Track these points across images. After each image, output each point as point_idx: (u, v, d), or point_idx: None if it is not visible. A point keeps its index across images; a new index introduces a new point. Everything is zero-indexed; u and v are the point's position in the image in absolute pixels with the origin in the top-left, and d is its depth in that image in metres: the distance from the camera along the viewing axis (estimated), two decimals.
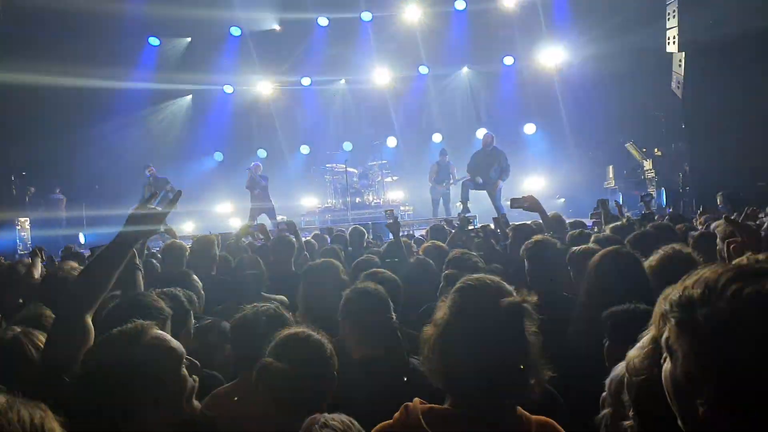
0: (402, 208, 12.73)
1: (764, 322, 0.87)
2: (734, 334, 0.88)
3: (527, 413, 1.49)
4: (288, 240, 4.82)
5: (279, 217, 11.34)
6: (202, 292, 3.29)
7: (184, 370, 1.52)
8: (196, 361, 1.60)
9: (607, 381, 1.43)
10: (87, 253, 5.21)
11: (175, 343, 1.54)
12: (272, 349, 1.77)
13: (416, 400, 1.48)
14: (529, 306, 1.46)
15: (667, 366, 1.00)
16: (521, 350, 1.43)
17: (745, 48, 8.82)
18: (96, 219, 12.73)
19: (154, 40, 13.73)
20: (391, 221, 4.07)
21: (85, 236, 12.16)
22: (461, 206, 10.83)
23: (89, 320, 1.77)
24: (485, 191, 10.79)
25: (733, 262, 1.01)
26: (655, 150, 11.23)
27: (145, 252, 4.66)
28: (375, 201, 13.07)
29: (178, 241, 5.04)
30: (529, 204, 3.85)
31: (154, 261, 4.97)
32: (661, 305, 1.01)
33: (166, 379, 1.45)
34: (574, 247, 3.00)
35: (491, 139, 10.96)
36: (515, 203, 3.90)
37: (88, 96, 12.84)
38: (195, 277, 3.41)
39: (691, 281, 0.98)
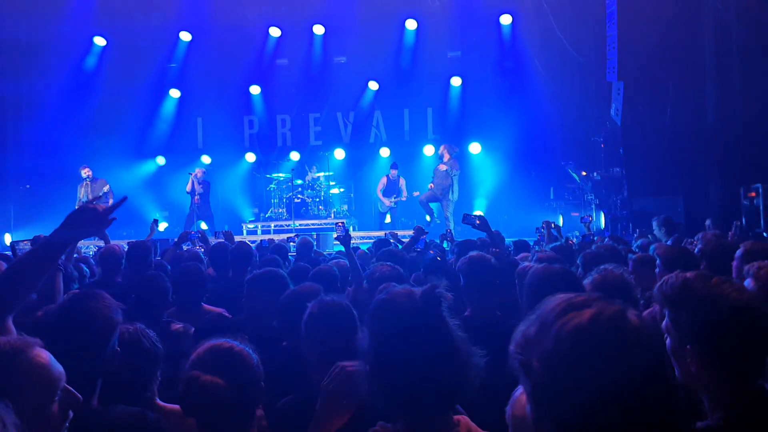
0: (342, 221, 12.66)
1: (584, 360, 0.82)
2: (560, 378, 0.84)
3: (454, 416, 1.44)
4: (224, 248, 4.69)
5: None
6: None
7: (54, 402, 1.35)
8: (78, 395, 1.42)
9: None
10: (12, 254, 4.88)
11: (53, 371, 1.37)
12: (195, 362, 1.63)
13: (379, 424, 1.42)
14: (444, 293, 1.40)
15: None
16: (447, 338, 1.38)
17: (678, 79, 9.36)
18: (25, 220, 12.10)
19: (99, 40, 13.19)
20: (342, 234, 4.00)
21: (12, 237, 11.47)
22: (429, 219, 11.18)
23: (10, 322, 1.63)
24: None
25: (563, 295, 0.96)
26: (594, 174, 11.69)
27: (75, 255, 4.42)
28: (321, 211, 12.96)
29: (114, 245, 4.81)
30: (480, 222, 3.89)
31: (84, 266, 4.73)
32: (510, 346, 0.97)
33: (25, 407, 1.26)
34: (525, 263, 3.04)
35: (449, 152, 11.19)
36: (467, 219, 3.93)
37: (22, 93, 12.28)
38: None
39: (531, 319, 0.93)
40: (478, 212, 3.94)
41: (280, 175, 13.30)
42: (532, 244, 6.52)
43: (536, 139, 12.86)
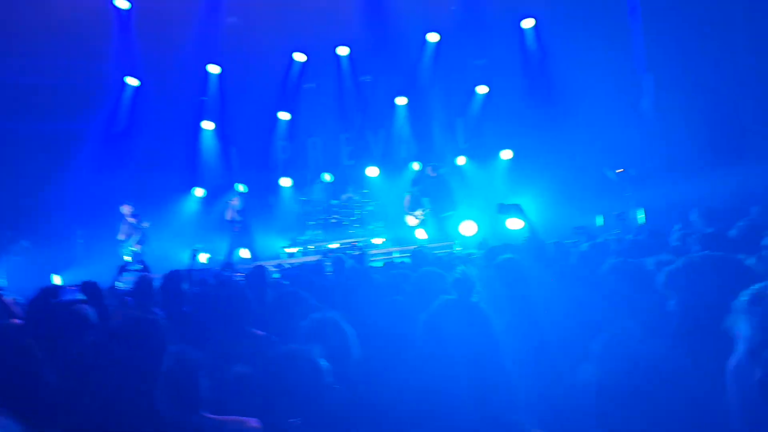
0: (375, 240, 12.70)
1: None
2: None
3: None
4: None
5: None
6: None
7: None
8: None
9: None
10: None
11: None
12: None
13: None
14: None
15: None
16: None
17: (707, 68, 9.06)
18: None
19: (132, 81, 13.72)
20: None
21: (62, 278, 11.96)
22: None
23: None
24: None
25: None
26: (631, 170, 11.34)
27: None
28: (357, 230, 13.06)
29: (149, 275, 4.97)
30: (517, 211, 3.75)
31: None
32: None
33: None
34: None
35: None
36: (502, 209, 3.79)
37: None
38: None
39: None
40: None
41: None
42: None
43: (567, 139, 12.60)
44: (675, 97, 9.41)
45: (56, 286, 3.60)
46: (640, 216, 10.19)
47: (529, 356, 2.34)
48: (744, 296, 0.92)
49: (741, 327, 0.89)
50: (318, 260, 6.97)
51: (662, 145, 10.02)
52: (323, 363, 1.94)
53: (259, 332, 3.49)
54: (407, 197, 12.33)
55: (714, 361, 1.67)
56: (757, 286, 0.91)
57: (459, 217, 12.07)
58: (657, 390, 1.26)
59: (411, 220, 12.33)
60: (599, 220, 10.42)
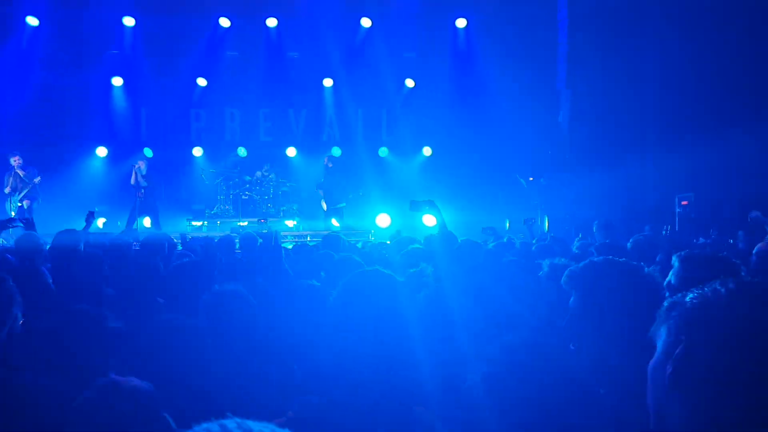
0: (288, 222, 12.48)
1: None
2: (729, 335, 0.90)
3: None
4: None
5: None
6: None
7: None
8: None
9: None
10: None
11: None
12: None
13: None
14: None
15: None
16: None
17: (623, 88, 9.65)
18: None
19: (32, 20, 12.45)
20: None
21: None
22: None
23: None
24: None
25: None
26: (541, 179, 11.89)
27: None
28: (270, 209, 12.73)
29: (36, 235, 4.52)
30: (430, 207, 3.74)
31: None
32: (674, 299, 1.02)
33: None
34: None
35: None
36: (414, 206, 3.75)
37: None
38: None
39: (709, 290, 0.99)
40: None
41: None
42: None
43: (487, 144, 13.00)
44: (589, 112, 9.93)
45: None
46: (545, 223, 10.71)
47: (436, 346, 2.33)
48: (664, 304, 0.98)
49: (660, 331, 0.96)
50: (226, 235, 6.65)
51: (573, 158, 10.56)
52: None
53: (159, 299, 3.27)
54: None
55: (609, 357, 1.77)
56: (678, 295, 0.98)
57: (374, 209, 12.12)
58: (549, 380, 1.32)
59: (326, 207, 12.21)
60: (507, 224, 10.82)
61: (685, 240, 6.27)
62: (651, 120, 9.67)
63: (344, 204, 12.05)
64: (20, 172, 10.78)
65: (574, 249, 5.20)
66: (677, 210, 8.16)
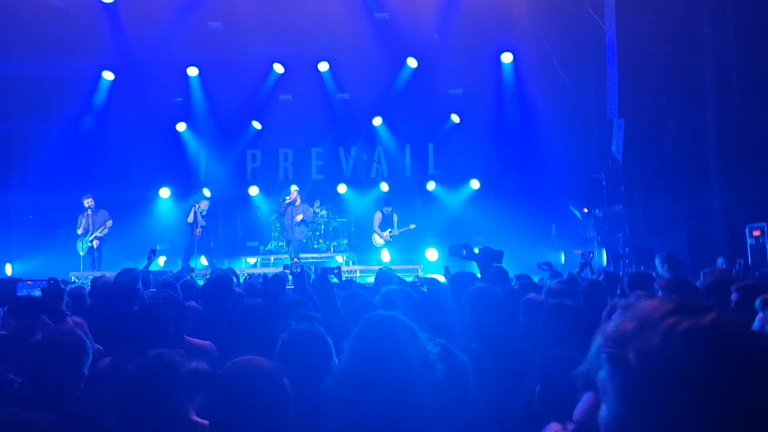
0: (338, 257, 12.62)
1: (696, 359, 0.82)
2: (666, 371, 0.82)
3: None
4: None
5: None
6: None
7: None
8: None
9: None
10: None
11: None
12: None
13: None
14: None
15: (602, 410, 0.93)
16: None
17: (678, 115, 9.39)
18: (27, 250, 12.10)
19: (108, 75, 13.41)
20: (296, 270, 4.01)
21: (13, 268, 11.54)
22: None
23: None
24: None
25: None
26: (596, 211, 11.62)
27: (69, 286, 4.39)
28: (321, 245, 12.97)
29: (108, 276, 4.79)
30: (468, 253, 3.78)
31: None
32: (597, 340, 0.95)
33: None
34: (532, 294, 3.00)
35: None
36: (453, 251, 3.82)
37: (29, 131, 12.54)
38: None
39: (628, 315, 0.92)
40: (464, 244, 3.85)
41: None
42: (537, 281, 6.40)
43: (538, 176, 12.86)
44: (644, 141, 9.70)
45: (14, 279, 3.45)
46: (603, 257, 10.40)
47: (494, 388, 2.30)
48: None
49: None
50: (280, 272, 6.79)
51: (629, 188, 10.29)
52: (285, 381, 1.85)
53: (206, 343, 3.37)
54: (377, 215, 12.25)
55: None
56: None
57: (425, 243, 12.12)
58: None
59: (377, 240, 12.26)
60: (562, 257, 10.59)
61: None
62: (713, 145, 9.32)
63: (415, 225, 12.04)
64: (91, 214, 11.43)
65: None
66: (749, 241, 7.74)
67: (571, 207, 12.13)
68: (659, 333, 0.84)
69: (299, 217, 11.77)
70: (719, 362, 0.81)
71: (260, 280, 6.74)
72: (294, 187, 12.12)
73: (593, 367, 0.94)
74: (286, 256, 12.31)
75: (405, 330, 1.75)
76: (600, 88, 10.79)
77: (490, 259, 3.89)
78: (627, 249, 9.95)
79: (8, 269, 11.53)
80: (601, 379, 0.92)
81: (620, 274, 8.20)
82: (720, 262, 6.15)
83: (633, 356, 0.85)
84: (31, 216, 12.89)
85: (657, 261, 5.82)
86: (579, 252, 10.77)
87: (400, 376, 1.59)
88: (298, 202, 11.92)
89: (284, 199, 12.05)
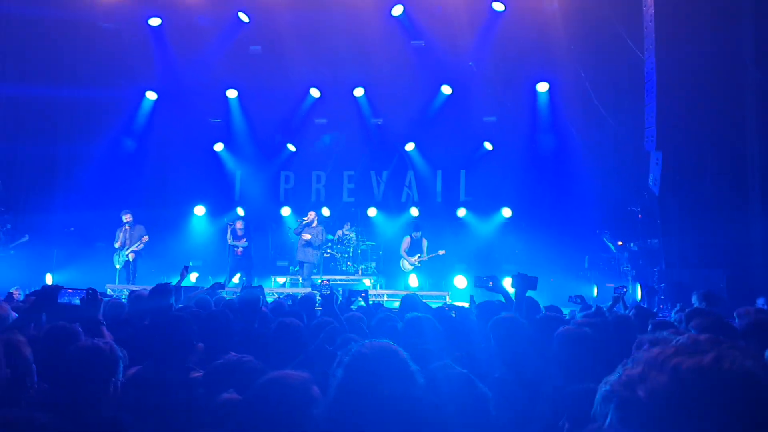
0: (366, 281, 12.58)
1: (704, 393, 0.88)
2: (675, 405, 0.89)
3: None
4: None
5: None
6: None
7: None
8: None
9: None
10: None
11: None
12: None
13: None
14: None
15: None
16: None
17: (718, 148, 9.17)
18: (66, 261, 12.49)
19: (151, 95, 13.90)
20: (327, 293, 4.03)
21: (53, 277, 11.95)
22: None
23: None
24: None
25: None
26: (631, 244, 11.37)
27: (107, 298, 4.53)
28: (349, 267, 13.00)
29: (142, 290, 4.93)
30: (494, 284, 3.76)
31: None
32: (602, 389, 1.01)
33: None
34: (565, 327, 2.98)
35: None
36: (478, 282, 3.80)
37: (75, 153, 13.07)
38: None
39: (630, 364, 0.99)
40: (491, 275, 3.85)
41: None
42: (568, 314, 6.28)
43: (571, 206, 12.67)
44: (682, 173, 9.49)
45: (57, 287, 3.60)
46: (637, 292, 10.12)
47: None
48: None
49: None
50: (309, 293, 6.85)
51: (666, 222, 10.03)
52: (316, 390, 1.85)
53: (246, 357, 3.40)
54: (406, 240, 12.24)
55: None
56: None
57: (454, 269, 12.03)
58: None
59: (405, 265, 12.23)
60: (594, 290, 10.36)
61: None
62: (753, 180, 9.05)
63: (444, 251, 12.00)
64: (129, 228, 11.75)
65: (673, 320, 4.88)
66: None
67: (605, 239, 11.90)
68: (666, 372, 0.91)
69: (306, 236, 11.85)
70: (725, 394, 0.87)
71: (289, 301, 6.80)
72: (312, 212, 12.23)
73: (600, 414, 1.00)
74: (315, 276, 12.36)
75: (397, 360, 1.78)
76: (637, 119, 10.63)
77: (524, 285, 3.84)
78: (662, 285, 9.68)
79: (48, 279, 11.91)
80: (609, 424, 0.97)
81: (654, 310, 7.98)
82: (761, 302, 5.92)
83: (643, 395, 0.91)
84: (72, 228, 13.31)
85: (694, 298, 5.65)
86: (612, 286, 10.53)
87: (393, 403, 1.63)
88: (314, 224, 12.00)
89: (302, 220, 12.15)
